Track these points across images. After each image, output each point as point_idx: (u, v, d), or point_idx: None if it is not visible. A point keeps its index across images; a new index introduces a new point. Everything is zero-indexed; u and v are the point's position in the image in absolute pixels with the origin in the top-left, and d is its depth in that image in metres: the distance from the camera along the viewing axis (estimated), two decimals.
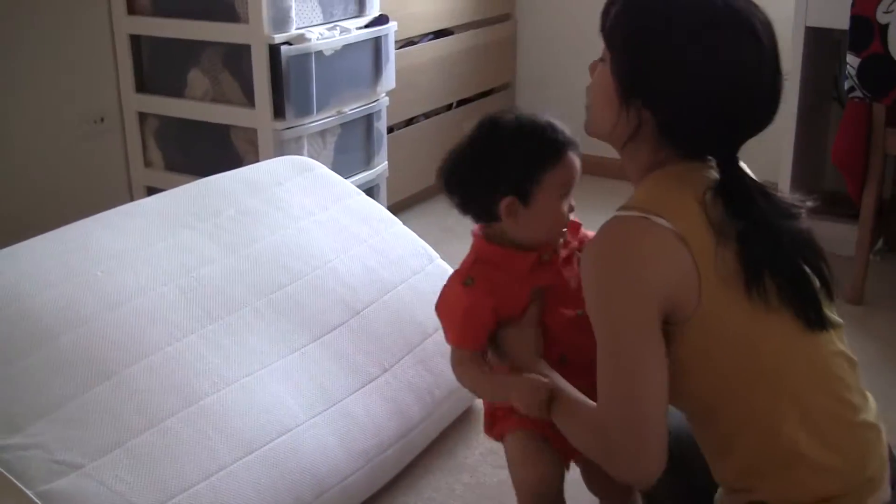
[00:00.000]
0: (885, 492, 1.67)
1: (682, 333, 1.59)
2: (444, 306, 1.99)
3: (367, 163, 3.89)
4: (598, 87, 1.73)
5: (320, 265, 2.59)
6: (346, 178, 3.70)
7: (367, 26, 3.74)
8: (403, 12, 4.09)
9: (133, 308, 2.24)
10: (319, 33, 3.50)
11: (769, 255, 1.59)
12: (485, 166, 1.93)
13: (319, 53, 3.47)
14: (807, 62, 3.76)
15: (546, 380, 1.81)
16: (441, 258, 2.97)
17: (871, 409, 1.71)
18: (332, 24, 3.59)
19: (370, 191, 3.89)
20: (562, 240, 2.00)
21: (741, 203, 1.62)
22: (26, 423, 1.93)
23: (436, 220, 4.36)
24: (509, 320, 1.93)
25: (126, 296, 2.26)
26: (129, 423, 2.01)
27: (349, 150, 3.79)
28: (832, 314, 1.68)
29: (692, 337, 1.59)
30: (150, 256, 2.41)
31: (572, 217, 1.97)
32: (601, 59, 1.73)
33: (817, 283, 1.65)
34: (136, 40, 3.79)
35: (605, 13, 1.70)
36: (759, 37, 1.62)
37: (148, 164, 3.91)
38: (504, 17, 5.05)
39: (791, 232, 1.65)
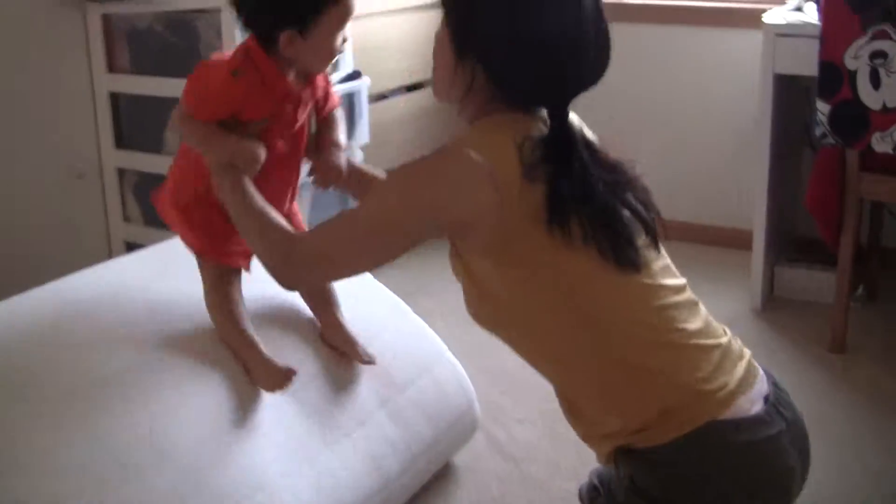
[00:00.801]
0: (743, 405, 1.77)
1: (490, 259, 1.77)
2: (201, 79, 2.18)
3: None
4: (437, 47, 1.88)
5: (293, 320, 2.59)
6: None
7: (340, 82, 3.78)
8: (377, 69, 4.14)
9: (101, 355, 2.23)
10: None
11: (576, 196, 1.73)
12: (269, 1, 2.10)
13: None
14: (777, 109, 3.78)
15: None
16: (414, 311, 2.99)
17: (715, 333, 1.87)
18: None
19: None
20: (309, 87, 2.23)
21: (560, 150, 1.76)
22: None
23: (409, 275, 4.34)
24: (238, 123, 2.13)
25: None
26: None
27: (326, 205, 3.82)
28: (651, 254, 1.85)
29: (503, 265, 1.77)
30: (124, 318, 2.42)
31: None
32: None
33: (638, 227, 1.83)
34: (115, 97, 3.83)
35: None
36: (584, 1, 1.76)
37: (127, 218, 3.95)
38: None
39: (608, 177, 1.81)
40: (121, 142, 3.88)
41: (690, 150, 4.71)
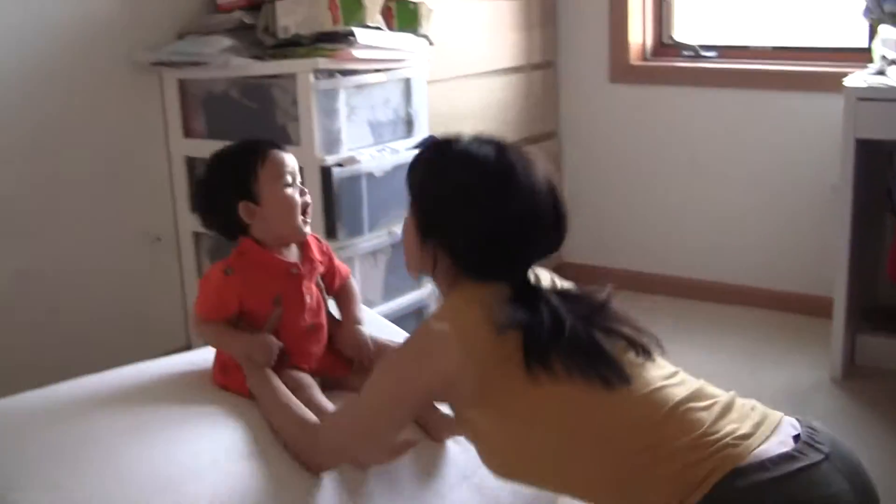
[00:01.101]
0: (770, 448, 1.80)
1: (486, 412, 1.90)
2: (205, 283, 2.37)
3: (418, 282, 3.91)
4: (405, 228, 2.09)
5: None
6: (397, 298, 3.74)
7: (416, 147, 3.78)
8: (451, 132, 4.14)
9: (197, 434, 2.26)
10: (369, 155, 3.55)
11: (550, 334, 1.87)
12: (214, 189, 2.37)
13: (370, 175, 3.53)
14: (858, 175, 3.71)
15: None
16: None
17: (711, 395, 1.95)
18: (381, 146, 3.65)
19: (420, 311, 3.90)
20: (307, 262, 2.41)
21: (527, 303, 1.92)
22: None
23: None
24: (249, 315, 2.32)
25: (189, 425, 2.28)
26: None
27: (400, 269, 3.81)
28: (639, 366, 1.92)
29: (498, 415, 1.90)
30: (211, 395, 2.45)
31: (309, 229, 2.40)
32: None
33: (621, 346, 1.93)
34: (191, 162, 3.86)
35: (408, 169, 2.09)
36: (530, 187, 1.97)
37: None
38: (548, 135, 5.10)
39: (579, 309, 1.96)
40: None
41: (771, 215, 4.66)
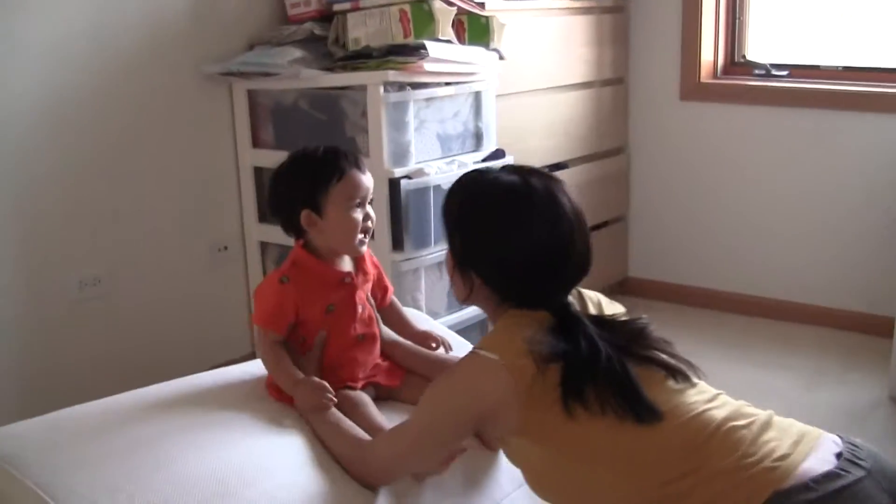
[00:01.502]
0: (811, 467, 1.79)
1: (520, 442, 1.96)
2: (261, 294, 2.40)
3: None
4: (446, 259, 2.15)
5: None
6: (461, 310, 3.75)
7: (484, 160, 3.79)
8: (519, 146, 4.15)
9: (255, 442, 2.27)
10: (438, 167, 3.56)
11: (586, 369, 1.89)
12: (284, 186, 2.39)
13: (438, 187, 3.53)
14: None
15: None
16: None
17: (748, 413, 1.93)
18: (450, 159, 3.65)
19: (483, 322, 3.90)
20: (360, 273, 2.45)
21: (567, 333, 1.94)
22: None
23: None
24: (303, 325, 2.38)
25: (247, 432, 2.30)
26: None
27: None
28: (676, 395, 1.93)
29: (537, 443, 1.93)
30: (272, 404, 2.47)
31: (365, 248, 2.42)
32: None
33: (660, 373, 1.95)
34: (259, 172, 3.89)
35: (443, 202, 2.14)
36: (558, 214, 2.00)
37: None
38: (617, 151, 5.09)
39: (617, 339, 1.97)
40: (263, 216, 3.93)
41: (835, 234, 4.63)
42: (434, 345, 2.58)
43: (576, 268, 2.04)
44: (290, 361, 2.39)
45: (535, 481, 2.03)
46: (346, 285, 2.41)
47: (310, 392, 2.31)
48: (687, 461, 1.82)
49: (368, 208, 2.40)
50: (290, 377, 2.37)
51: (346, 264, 2.44)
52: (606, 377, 1.88)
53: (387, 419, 2.40)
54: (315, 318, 2.38)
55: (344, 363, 2.42)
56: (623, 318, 2.09)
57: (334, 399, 2.30)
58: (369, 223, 2.39)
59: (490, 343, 1.98)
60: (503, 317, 2.04)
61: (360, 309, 2.43)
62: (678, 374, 1.97)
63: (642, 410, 1.87)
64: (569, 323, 1.97)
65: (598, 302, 2.17)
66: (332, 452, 2.24)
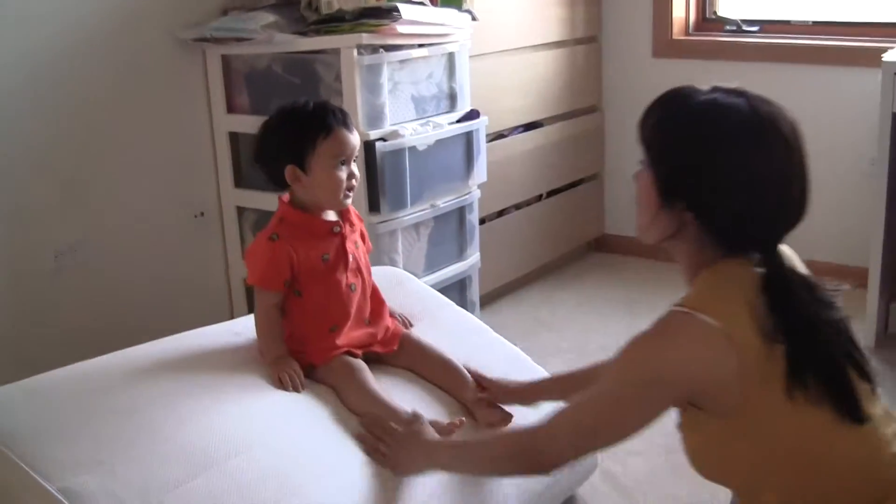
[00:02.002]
0: None
1: (723, 421, 1.74)
2: (252, 255, 2.46)
3: (460, 254, 3.94)
4: (641, 192, 1.86)
5: (417, 380, 2.63)
6: (440, 270, 3.77)
7: (458, 121, 3.81)
8: (493, 106, 4.17)
9: (239, 407, 2.29)
10: (413, 129, 3.57)
11: (812, 355, 1.70)
12: (271, 140, 2.45)
13: (413, 149, 3.55)
14: (894, 148, 3.70)
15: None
16: (532, 350, 3.01)
17: None
18: (424, 120, 3.67)
19: (463, 282, 3.93)
20: (346, 223, 2.51)
21: (783, 298, 1.73)
22: None
23: (528, 310, 4.39)
24: (301, 277, 2.42)
25: (232, 397, 2.32)
26: None
27: (442, 242, 3.84)
28: (873, 406, 1.76)
29: (734, 426, 1.73)
30: (257, 366, 2.50)
31: (350, 202, 2.49)
32: (641, 167, 1.87)
33: (856, 377, 1.75)
34: (234, 137, 3.90)
35: (642, 124, 1.86)
36: (788, 140, 1.77)
37: None
38: (591, 109, 5.11)
39: (831, 326, 1.76)
40: (240, 181, 3.94)
41: (811, 188, 4.63)
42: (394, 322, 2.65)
43: (798, 206, 1.80)
44: (281, 331, 2.47)
45: (704, 461, 1.85)
46: (337, 235, 2.48)
47: (283, 374, 2.40)
48: (870, 475, 1.72)
49: (353, 166, 2.44)
50: (274, 350, 2.45)
51: (332, 214, 2.50)
52: (824, 366, 1.71)
53: (380, 385, 2.44)
54: (313, 269, 2.44)
55: (336, 313, 2.48)
56: (828, 293, 1.85)
57: (300, 390, 2.39)
58: (353, 181, 2.44)
59: (704, 303, 1.73)
60: (710, 269, 1.80)
61: (350, 258, 2.49)
62: (867, 376, 1.78)
63: (854, 408, 1.71)
64: (779, 281, 1.76)
65: (790, 257, 1.92)
66: (487, 475, 2.23)
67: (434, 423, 2.36)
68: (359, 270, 2.53)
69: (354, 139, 2.44)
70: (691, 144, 1.77)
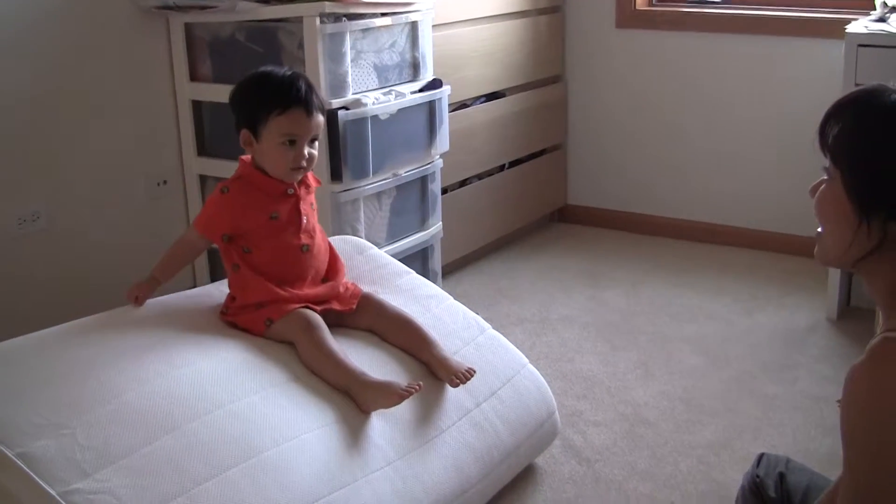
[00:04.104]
0: None
1: None
2: (207, 202, 2.58)
3: (422, 224, 3.95)
4: (829, 206, 1.65)
5: (377, 342, 2.65)
6: (402, 240, 3.78)
7: (421, 90, 3.81)
8: (456, 76, 4.18)
9: (197, 369, 2.31)
10: (375, 98, 3.58)
11: None
12: (237, 98, 2.56)
13: (375, 118, 3.55)
14: None
15: None
16: (493, 320, 3.02)
17: None
18: (387, 89, 3.67)
19: (425, 252, 3.94)
20: (303, 185, 2.59)
21: None
22: (94, 470, 1.99)
23: (489, 280, 4.41)
24: (248, 233, 2.51)
25: (189, 359, 2.34)
26: (192, 472, 2.06)
27: (404, 211, 3.85)
28: None
29: None
30: (215, 328, 2.53)
31: (299, 176, 2.55)
32: (825, 178, 1.67)
33: None
34: (197, 106, 3.89)
35: (824, 128, 1.65)
36: None
37: None
38: (554, 79, 5.12)
39: None
40: (203, 149, 3.93)
41: (772, 159, 4.71)
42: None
43: None
44: (177, 265, 2.67)
45: None
46: (290, 196, 2.55)
47: (134, 288, 2.59)
48: None
49: (309, 148, 2.51)
50: (154, 270, 2.63)
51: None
52: None
53: (340, 344, 2.47)
54: (259, 226, 2.52)
55: (290, 273, 2.56)
56: None
57: (139, 305, 2.56)
58: (303, 162, 2.50)
59: None
60: None
61: (304, 220, 2.56)
62: None
63: None
64: None
65: None
66: None
67: (390, 385, 2.39)
68: (314, 231, 2.60)
69: (313, 122, 2.50)
70: (893, 144, 1.56)
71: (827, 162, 1.64)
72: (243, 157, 2.60)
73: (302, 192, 2.59)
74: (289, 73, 2.55)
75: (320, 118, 2.54)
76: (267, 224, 2.52)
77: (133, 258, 3.79)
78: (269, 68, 2.59)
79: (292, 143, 2.49)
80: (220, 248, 2.60)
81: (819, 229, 1.72)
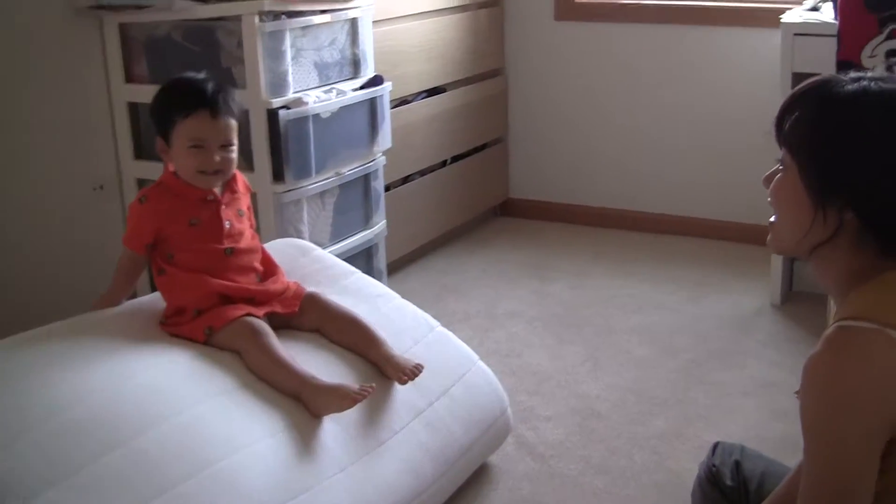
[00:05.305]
0: None
1: None
2: (128, 215, 2.57)
3: (366, 222, 3.92)
4: (785, 195, 1.67)
5: (325, 344, 2.63)
6: (346, 239, 3.75)
7: (362, 87, 3.78)
8: (397, 72, 4.15)
9: (140, 382, 2.26)
10: (316, 96, 3.54)
11: None
12: (152, 109, 2.56)
13: (317, 116, 3.51)
14: None
15: None
16: (440, 317, 3.02)
17: None
18: (328, 87, 3.63)
19: (369, 250, 3.91)
20: (227, 191, 2.58)
21: None
22: (37, 493, 1.93)
23: (435, 276, 4.39)
24: (169, 240, 2.50)
25: (133, 372, 2.29)
26: (140, 490, 2.01)
27: (348, 210, 3.82)
28: None
29: None
30: (157, 338, 2.49)
31: (215, 182, 2.52)
32: (779, 167, 1.68)
33: None
34: (133, 108, 3.82)
35: (781, 120, 1.67)
36: None
37: None
38: (494, 73, 5.11)
39: None
40: (140, 152, 3.87)
41: (711, 148, 4.75)
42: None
43: None
44: (128, 281, 2.64)
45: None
46: (210, 202, 2.54)
47: (105, 305, 2.59)
48: None
49: (222, 153, 2.49)
50: (110, 293, 2.62)
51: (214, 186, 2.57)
52: None
53: (287, 349, 2.44)
54: (179, 233, 2.51)
55: (215, 277, 2.52)
56: None
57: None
58: (213, 167, 2.48)
59: (863, 309, 1.54)
60: (878, 280, 1.58)
61: (227, 225, 2.55)
62: None
63: None
64: None
65: None
66: None
67: (342, 388, 2.36)
68: (240, 236, 2.58)
69: (221, 125, 2.48)
70: (849, 133, 1.58)
71: (782, 152, 1.66)
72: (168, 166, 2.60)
73: (226, 197, 2.57)
74: (200, 77, 2.55)
75: (231, 121, 2.52)
76: (187, 230, 2.51)
77: (70, 266, 3.73)
78: (184, 74, 2.59)
79: (200, 147, 2.47)
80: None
81: (773, 218, 1.72)
